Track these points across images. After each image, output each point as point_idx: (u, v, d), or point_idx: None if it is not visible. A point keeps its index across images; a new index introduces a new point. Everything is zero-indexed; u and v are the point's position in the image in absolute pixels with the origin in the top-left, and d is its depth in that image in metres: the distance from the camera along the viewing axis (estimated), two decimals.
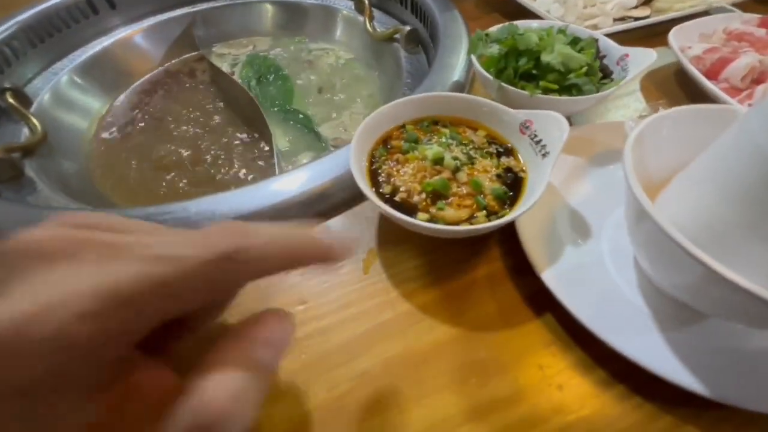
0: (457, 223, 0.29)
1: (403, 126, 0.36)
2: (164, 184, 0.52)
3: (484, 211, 0.30)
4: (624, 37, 0.54)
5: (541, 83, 0.38)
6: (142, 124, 0.61)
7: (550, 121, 0.32)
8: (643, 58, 0.39)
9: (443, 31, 0.57)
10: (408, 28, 0.63)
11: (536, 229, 0.31)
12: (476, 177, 0.31)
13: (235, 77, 0.71)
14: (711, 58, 0.43)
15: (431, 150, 0.32)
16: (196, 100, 0.66)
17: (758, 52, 0.43)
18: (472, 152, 0.34)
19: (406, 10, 0.70)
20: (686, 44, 0.49)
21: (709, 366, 0.24)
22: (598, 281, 0.29)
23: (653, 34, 0.55)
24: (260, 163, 0.55)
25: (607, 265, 0.30)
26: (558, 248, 0.30)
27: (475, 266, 0.32)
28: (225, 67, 0.73)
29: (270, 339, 0.16)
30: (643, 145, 0.28)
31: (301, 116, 0.62)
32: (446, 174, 0.32)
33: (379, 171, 0.33)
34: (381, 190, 0.31)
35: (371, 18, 0.70)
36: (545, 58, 0.39)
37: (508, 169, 0.33)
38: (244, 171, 0.54)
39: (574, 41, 0.42)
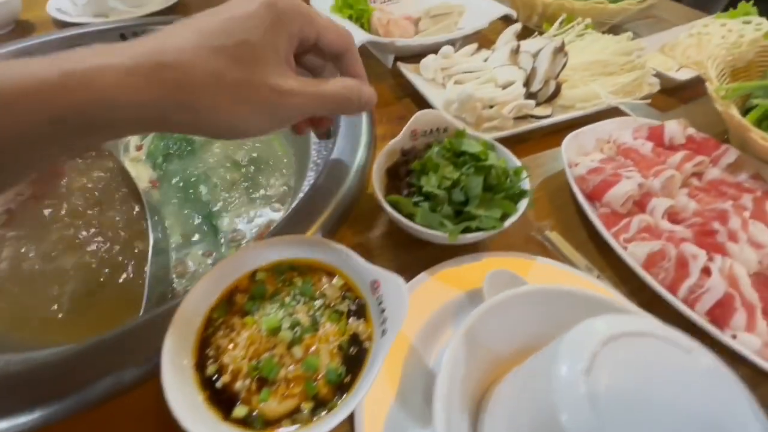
0: (277, 420, 0.26)
1: (255, 273, 0.33)
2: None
3: (312, 404, 0.27)
4: (526, 137, 0.54)
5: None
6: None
7: (394, 289, 0.29)
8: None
9: (346, 123, 0.55)
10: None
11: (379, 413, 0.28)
12: (311, 356, 0.28)
13: (142, 150, 0.67)
14: (594, 180, 0.42)
15: (266, 319, 0.29)
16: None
17: (642, 172, 0.43)
18: (319, 313, 0.31)
19: None
20: (581, 152, 0.49)
21: None
22: None
23: (557, 131, 0.55)
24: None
25: None
26: None
27: None
28: (134, 139, 0.69)
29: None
30: (480, 333, 0.26)
31: (200, 205, 0.58)
32: (280, 349, 0.29)
33: (212, 340, 0.29)
34: (206, 372, 0.28)
35: None
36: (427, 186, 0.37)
37: (354, 337, 0.30)
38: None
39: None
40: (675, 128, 0.47)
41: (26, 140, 0.21)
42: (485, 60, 0.60)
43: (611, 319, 0.18)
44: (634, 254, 0.36)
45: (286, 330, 0.29)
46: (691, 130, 0.48)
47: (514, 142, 0.54)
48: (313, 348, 0.29)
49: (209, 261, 0.52)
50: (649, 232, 0.38)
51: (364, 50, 0.62)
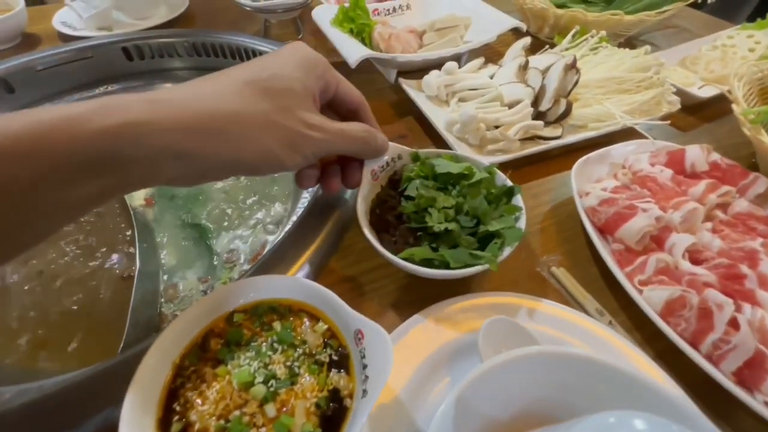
0: None
1: (232, 314, 0.31)
2: None
3: None
4: (534, 159, 0.51)
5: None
6: None
7: (379, 345, 0.27)
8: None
9: None
10: None
11: None
12: (285, 415, 0.26)
13: None
14: (606, 213, 0.39)
15: (239, 372, 0.27)
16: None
17: (660, 203, 0.39)
18: (298, 363, 0.28)
19: None
20: (594, 178, 0.46)
21: None
22: None
23: (568, 152, 0.52)
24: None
25: None
26: None
27: None
28: None
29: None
30: (473, 399, 0.23)
31: (195, 224, 0.57)
32: (251, 406, 0.26)
33: (180, 392, 0.27)
34: (170, 430, 0.26)
35: None
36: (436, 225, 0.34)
37: (335, 393, 0.27)
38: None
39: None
40: (697, 153, 0.43)
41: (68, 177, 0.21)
42: (491, 76, 0.57)
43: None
44: (649, 300, 0.33)
45: (260, 384, 0.27)
46: (716, 156, 0.44)
47: (520, 165, 0.51)
48: (288, 405, 0.26)
49: (201, 287, 0.50)
50: (668, 274, 0.35)
51: (366, 65, 0.59)
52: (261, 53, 0.71)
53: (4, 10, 0.76)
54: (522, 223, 0.35)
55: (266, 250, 0.43)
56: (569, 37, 0.63)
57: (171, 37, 0.75)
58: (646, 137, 0.48)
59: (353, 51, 0.56)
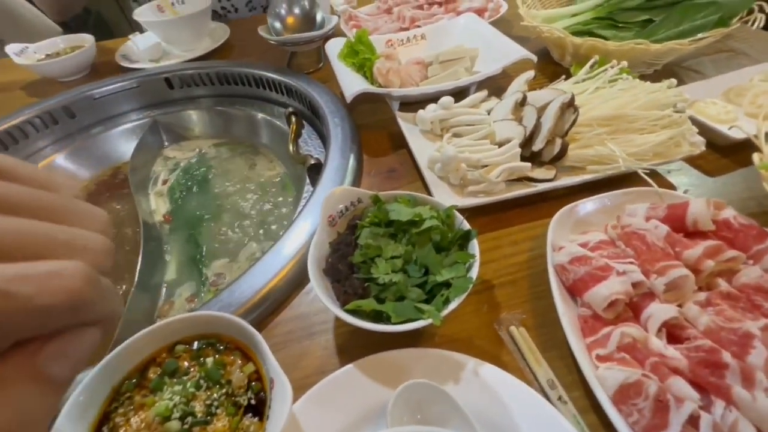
0: None
1: (174, 346, 0.33)
2: None
3: None
4: (525, 201, 0.48)
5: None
6: None
7: (282, 394, 0.27)
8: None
9: (330, 165, 0.54)
10: (313, 161, 0.61)
11: None
12: None
13: (167, 184, 0.74)
14: (576, 272, 0.35)
15: (158, 405, 0.29)
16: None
17: (643, 265, 0.35)
18: (217, 403, 0.30)
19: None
20: (582, 229, 0.42)
21: None
22: None
23: (569, 194, 0.47)
24: None
25: None
26: None
27: None
28: (163, 174, 0.76)
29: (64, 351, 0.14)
30: None
31: (195, 245, 0.61)
32: None
33: (112, 416, 0.30)
34: None
35: (295, 138, 0.69)
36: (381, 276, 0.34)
37: None
38: None
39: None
40: (700, 209, 0.37)
41: None
42: (489, 111, 0.55)
43: None
44: (603, 380, 0.29)
45: (176, 420, 0.28)
46: (729, 213, 0.38)
47: (509, 207, 0.48)
48: None
49: (188, 306, 0.54)
50: (633, 351, 0.30)
51: (374, 94, 0.60)
52: (282, 85, 0.76)
53: (77, 47, 0.89)
54: (474, 272, 0.34)
55: (225, 282, 0.45)
56: (586, 67, 0.59)
57: (205, 68, 0.82)
58: (650, 184, 0.43)
59: (350, 86, 0.57)
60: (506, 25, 0.87)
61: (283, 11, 0.78)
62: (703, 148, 0.48)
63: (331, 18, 0.81)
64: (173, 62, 0.88)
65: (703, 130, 0.51)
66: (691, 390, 0.27)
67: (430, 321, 0.31)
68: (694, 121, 0.52)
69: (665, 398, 0.26)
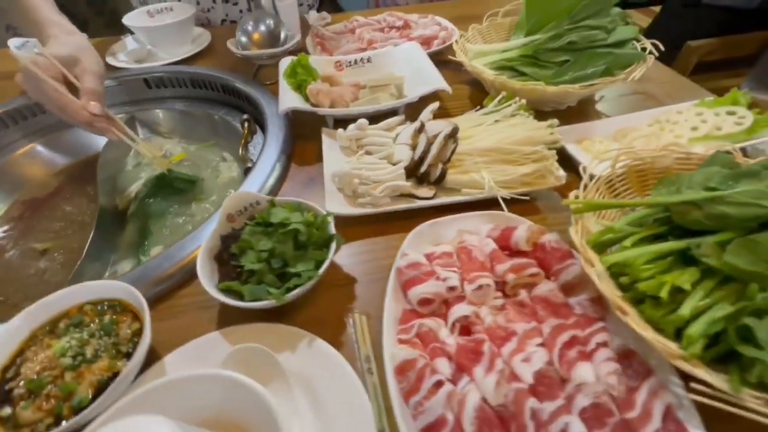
0: (24, 426, 0.35)
1: (84, 305, 0.43)
2: None
3: (52, 420, 0.35)
4: (410, 215, 0.56)
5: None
6: None
7: (145, 343, 0.36)
8: None
9: (257, 168, 0.63)
10: (249, 164, 0.70)
11: None
12: (72, 381, 0.37)
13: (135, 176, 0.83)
14: (407, 274, 0.44)
15: (58, 345, 0.38)
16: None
17: (463, 274, 0.44)
18: (104, 348, 0.39)
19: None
20: (437, 242, 0.50)
21: None
22: None
23: (448, 210, 0.56)
24: None
25: None
26: None
27: None
28: (132, 166, 0.86)
29: None
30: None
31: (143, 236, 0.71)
32: (57, 371, 0.37)
33: (26, 351, 0.39)
34: (7, 375, 0.38)
35: (245, 142, 0.78)
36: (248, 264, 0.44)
37: (116, 375, 0.38)
38: None
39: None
40: (521, 233, 0.46)
41: None
42: (397, 135, 0.63)
43: None
44: (394, 357, 0.38)
45: (68, 357, 0.38)
46: (548, 237, 0.46)
47: (395, 218, 0.57)
48: (81, 377, 0.37)
49: None
50: (427, 339, 0.39)
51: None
52: (242, 93, 0.86)
53: None
54: (322, 269, 0.43)
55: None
56: (495, 101, 0.67)
57: (181, 73, 0.93)
58: (503, 209, 0.51)
59: (285, 101, 0.67)
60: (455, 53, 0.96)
61: (249, 27, 0.87)
62: (563, 181, 0.56)
63: (294, 36, 0.90)
64: (156, 64, 0.98)
65: (576, 162, 0.59)
66: (446, 367, 0.36)
67: (274, 301, 0.41)
68: (570, 156, 0.60)
69: (423, 370, 0.35)
